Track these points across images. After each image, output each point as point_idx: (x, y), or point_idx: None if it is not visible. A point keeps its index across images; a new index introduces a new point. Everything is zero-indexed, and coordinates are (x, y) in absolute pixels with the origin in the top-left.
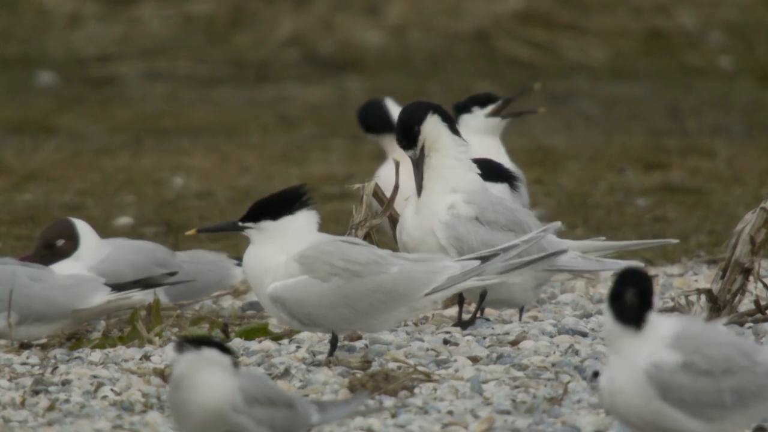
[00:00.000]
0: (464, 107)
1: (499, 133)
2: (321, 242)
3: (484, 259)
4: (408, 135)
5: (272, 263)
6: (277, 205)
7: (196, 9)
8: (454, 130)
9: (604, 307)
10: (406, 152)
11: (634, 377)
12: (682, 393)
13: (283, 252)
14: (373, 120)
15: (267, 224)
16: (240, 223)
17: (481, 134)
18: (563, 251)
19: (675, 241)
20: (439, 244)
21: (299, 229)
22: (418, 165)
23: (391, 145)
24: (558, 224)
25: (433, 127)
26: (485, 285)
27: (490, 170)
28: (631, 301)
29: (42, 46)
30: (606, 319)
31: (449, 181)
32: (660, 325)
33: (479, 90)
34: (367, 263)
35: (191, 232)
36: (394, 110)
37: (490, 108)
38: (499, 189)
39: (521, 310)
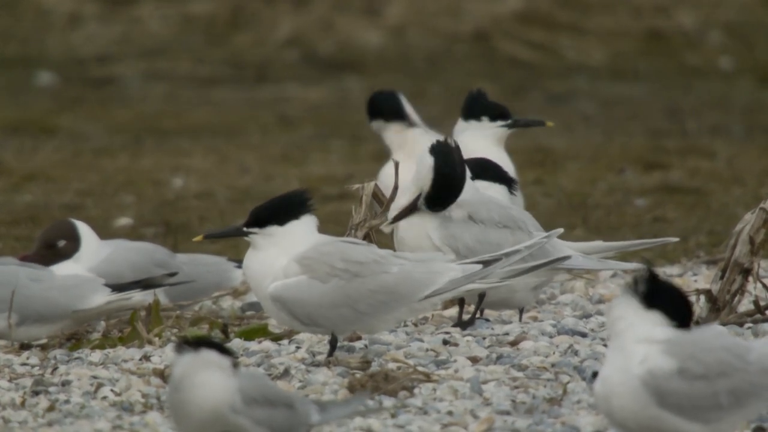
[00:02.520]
0: (474, 115)
1: (503, 142)
2: (321, 243)
3: (486, 263)
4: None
5: (273, 266)
6: (284, 211)
7: (195, 9)
8: None
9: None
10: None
11: (630, 384)
12: (678, 398)
13: (284, 255)
14: (387, 107)
15: (274, 230)
16: (244, 229)
17: (486, 141)
18: (567, 257)
19: (675, 239)
20: (434, 247)
21: (301, 232)
22: None
23: (393, 135)
24: (560, 230)
25: None
26: (485, 288)
27: (488, 170)
28: (654, 278)
29: (42, 46)
30: (619, 293)
31: None
32: (654, 330)
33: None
34: (367, 263)
35: (198, 238)
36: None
37: (498, 123)
38: (497, 189)
39: (521, 311)
